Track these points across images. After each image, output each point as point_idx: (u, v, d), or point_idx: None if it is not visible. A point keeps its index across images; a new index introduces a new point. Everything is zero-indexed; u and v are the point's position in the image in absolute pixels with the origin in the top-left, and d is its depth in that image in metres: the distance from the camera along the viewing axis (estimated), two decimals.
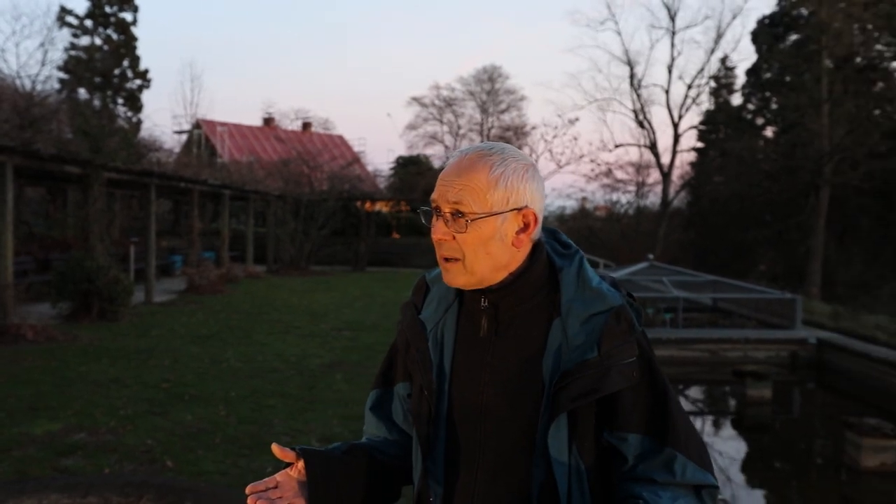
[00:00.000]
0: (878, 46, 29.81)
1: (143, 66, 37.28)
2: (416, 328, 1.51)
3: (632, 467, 1.38)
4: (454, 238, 1.38)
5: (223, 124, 41.36)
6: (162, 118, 76.36)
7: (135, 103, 37.05)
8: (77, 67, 34.76)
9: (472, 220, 1.37)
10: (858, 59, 28.58)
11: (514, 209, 1.39)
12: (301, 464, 1.42)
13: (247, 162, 33.09)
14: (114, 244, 16.25)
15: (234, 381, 8.49)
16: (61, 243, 18.78)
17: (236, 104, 77.20)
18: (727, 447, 9.78)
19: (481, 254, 1.38)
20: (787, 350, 13.21)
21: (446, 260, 1.41)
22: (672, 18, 36.42)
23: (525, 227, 1.40)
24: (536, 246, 1.45)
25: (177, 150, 35.95)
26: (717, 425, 11.18)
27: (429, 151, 46.00)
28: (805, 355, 13.18)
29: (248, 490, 1.37)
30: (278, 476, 1.42)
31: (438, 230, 1.40)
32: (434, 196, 1.41)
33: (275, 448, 1.42)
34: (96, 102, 34.54)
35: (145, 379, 8.43)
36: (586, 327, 1.36)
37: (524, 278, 1.41)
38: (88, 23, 36.39)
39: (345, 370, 9.25)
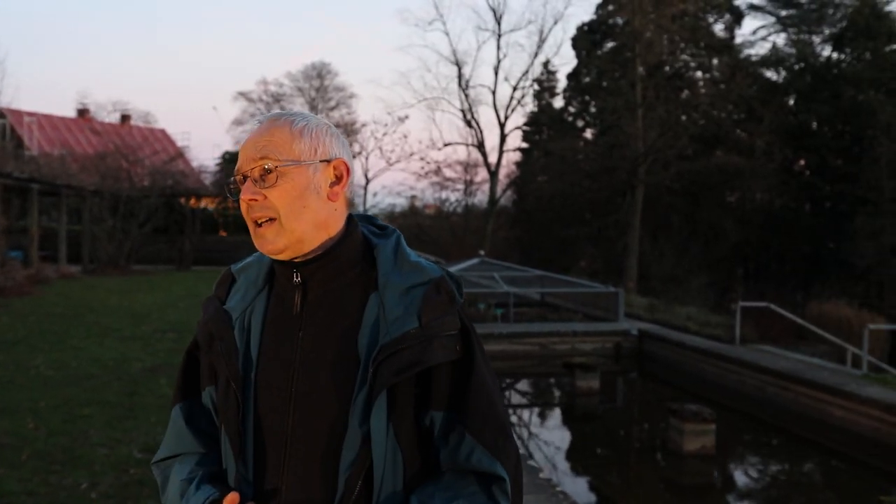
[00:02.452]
0: (684, 56, 31.99)
1: None
2: (220, 319, 1.40)
3: (435, 447, 1.30)
4: (265, 197, 1.31)
5: (31, 114, 38.30)
6: None
7: None
8: None
9: (281, 170, 1.31)
10: (667, 68, 30.50)
11: (324, 160, 1.35)
12: None
13: (59, 155, 30.82)
14: None
15: (45, 389, 7.81)
16: None
17: (47, 93, 71.88)
18: (555, 437, 10.10)
19: (298, 207, 1.31)
20: (611, 342, 13.86)
21: (258, 224, 1.33)
22: (498, 21, 37.28)
23: (338, 180, 1.36)
24: (351, 220, 1.39)
25: None
26: (548, 417, 11.54)
27: None
28: (628, 346, 13.88)
29: None
30: None
31: (247, 190, 1.31)
32: (238, 166, 1.35)
33: None
34: None
35: None
36: (405, 299, 1.29)
37: (339, 249, 1.34)
38: None
39: (169, 374, 8.74)
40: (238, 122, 46.95)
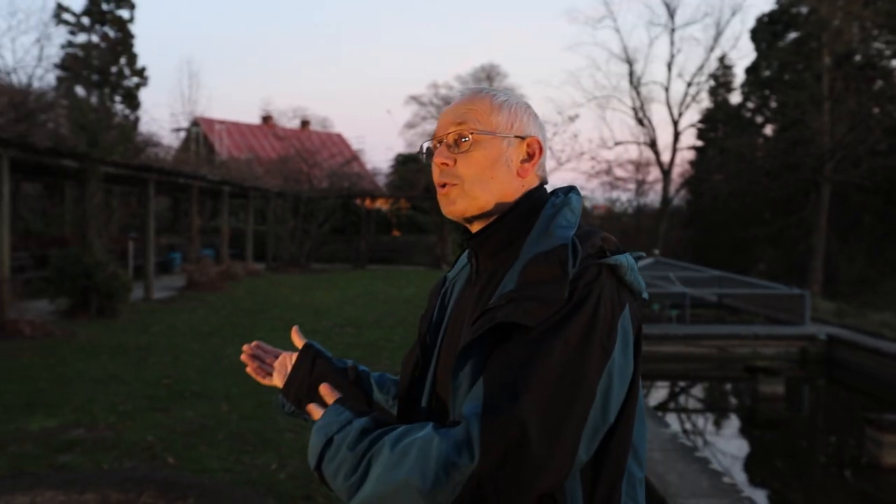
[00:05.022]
0: (877, 44, 29.69)
1: (140, 63, 37.04)
2: (436, 285, 1.51)
3: None
4: (455, 162, 1.33)
5: (221, 122, 41.10)
6: (159, 114, 76.11)
7: (132, 101, 36.78)
8: (74, 65, 34.46)
9: (476, 138, 1.33)
10: (858, 57, 28.44)
11: (519, 136, 1.36)
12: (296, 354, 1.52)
13: (246, 159, 32.87)
14: (112, 241, 16.05)
15: (237, 378, 8.30)
16: (59, 240, 18.57)
17: (234, 102, 76.98)
18: (733, 445, 9.63)
19: (486, 176, 1.32)
20: (796, 346, 13.05)
21: (443, 186, 1.35)
22: (671, 15, 36.40)
23: (530, 157, 1.36)
24: (533, 193, 1.35)
25: (174, 147, 35.74)
26: (725, 423, 11.04)
27: None
28: (815, 351, 13.02)
29: (246, 346, 1.65)
30: (283, 353, 1.61)
31: (440, 154, 1.35)
32: (435, 131, 1.39)
33: (294, 331, 1.59)
34: (94, 100, 34.26)
35: (145, 376, 8.26)
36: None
37: (502, 221, 1.32)
38: (85, 20, 36.11)
39: None
40: (410, 125, 48.22)
